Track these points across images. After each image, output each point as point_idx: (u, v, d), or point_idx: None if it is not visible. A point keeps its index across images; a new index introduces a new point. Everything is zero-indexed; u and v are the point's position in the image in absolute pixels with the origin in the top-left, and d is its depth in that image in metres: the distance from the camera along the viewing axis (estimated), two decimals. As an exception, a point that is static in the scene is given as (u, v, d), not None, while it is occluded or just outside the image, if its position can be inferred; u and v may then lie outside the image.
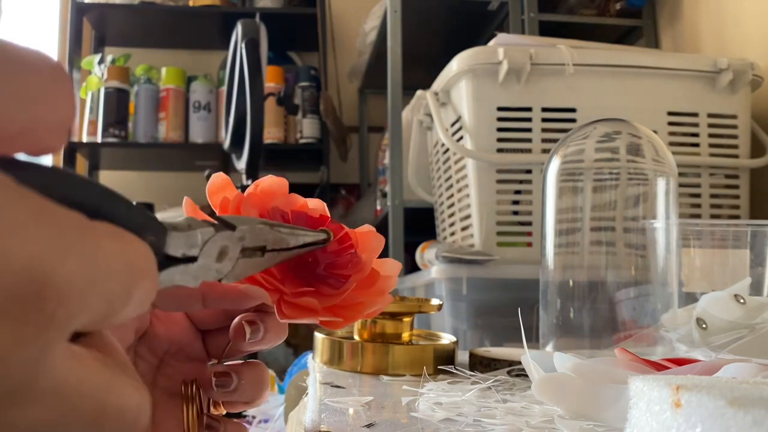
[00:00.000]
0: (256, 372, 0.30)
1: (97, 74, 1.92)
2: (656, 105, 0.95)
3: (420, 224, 1.28)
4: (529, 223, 0.93)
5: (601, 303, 0.54)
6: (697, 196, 0.96)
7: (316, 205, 0.30)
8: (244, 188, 0.33)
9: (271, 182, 0.29)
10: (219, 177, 0.28)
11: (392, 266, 0.30)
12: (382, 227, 1.35)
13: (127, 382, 0.15)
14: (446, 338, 0.55)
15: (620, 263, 0.56)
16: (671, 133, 0.96)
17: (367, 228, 0.30)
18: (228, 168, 1.64)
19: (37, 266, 0.12)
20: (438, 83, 1.03)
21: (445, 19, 1.51)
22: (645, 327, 0.53)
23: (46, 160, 0.15)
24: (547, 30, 1.30)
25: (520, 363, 0.46)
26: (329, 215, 0.29)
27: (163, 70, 1.98)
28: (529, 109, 0.93)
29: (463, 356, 0.54)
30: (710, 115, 0.96)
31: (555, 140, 0.87)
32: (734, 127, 0.97)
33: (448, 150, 1.03)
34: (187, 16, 1.99)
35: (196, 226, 0.20)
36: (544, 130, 0.93)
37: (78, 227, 0.13)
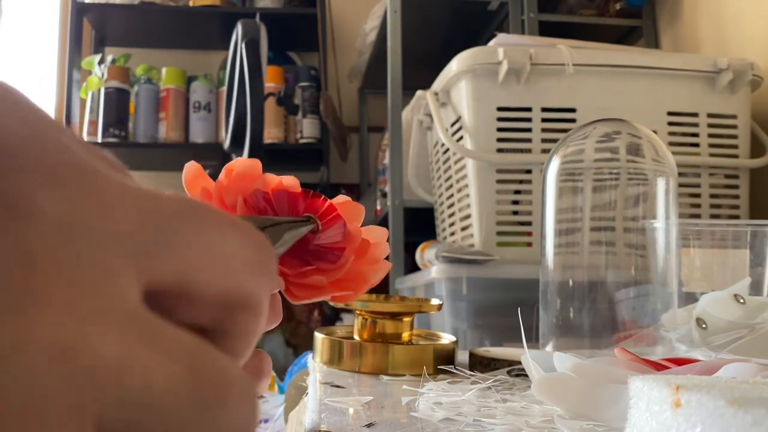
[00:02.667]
0: (256, 359, 0.29)
1: (97, 74, 1.92)
2: (656, 105, 0.95)
3: (420, 224, 1.28)
4: (529, 223, 0.93)
5: (601, 303, 0.54)
6: (697, 196, 0.96)
7: (290, 182, 0.29)
8: None
9: (244, 165, 0.28)
10: (192, 166, 0.28)
11: (379, 233, 0.29)
12: (382, 227, 1.34)
13: None
14: (446, 338, 0.56)
15: (620, 263, 0.56)
16: (671, 133, 0.96)
17: (343, 198, 0.30)
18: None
19: None
20: (438, 83, 1.03)
21: (445, 19, 1.51)
22: (645, 327, 0.53)
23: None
24: (547, 30, 1.30)
25: (519, 363, 0.46)
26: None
27: (164, 70, 1.98)
28: (529, 109, 0.93)
29: (463, 356, 0.54)
30: (710, 115, 0.96)
31: (555, 140, 0.87)
32: (734, 127, 0.97)
33: (448, 150, 1.03)
34: (188, 16, 1.99)
35: None
36: (544, 130, 0.93)
37: None
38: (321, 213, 0.28)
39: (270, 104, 1.88)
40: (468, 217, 0.96)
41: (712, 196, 0.96)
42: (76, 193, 0.11)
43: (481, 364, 0.51)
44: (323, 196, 0.29)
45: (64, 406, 0.10)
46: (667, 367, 0.36)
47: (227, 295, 0.13)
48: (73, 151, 0.12)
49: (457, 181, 1.00)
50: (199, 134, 1.96)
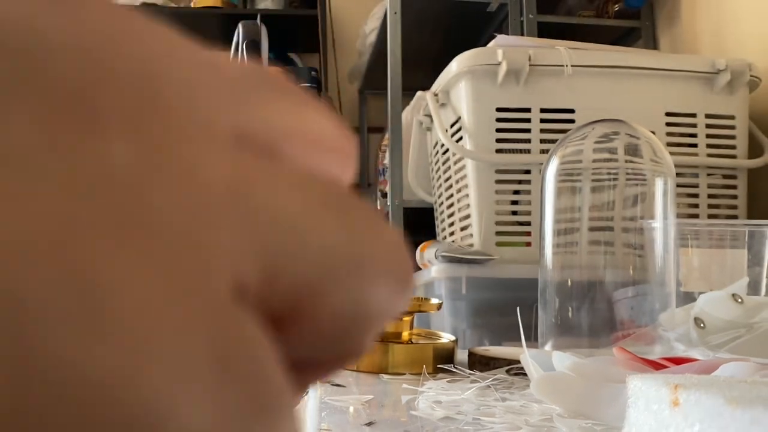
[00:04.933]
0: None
1: (97, 75, 1.92)
2: (654, 106, 0.96)
3: (420, 224, 1.28)
4: (528, 223, 0.93)
5: (600, 302, 0.55)
6: (695, 196, 0.96)
7: None
8: None
9: None
10: None
11: None
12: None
13: None
14: (446, 337, 0.56)
15: (618, 263, 0.56)
16: (669, 134, 0.96)
17: None
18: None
19: None
20: (437, 84, 1.03)
21: (444, 21, 1.51)
22: (643, 326, 0.53)
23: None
24: (546, 31, 1.30)
25: (519, 362, 0.46)
26: None
27: (163, 71, 1.99)
28: (528, 110, 0.93)
29: (462, 355, 0.54)
30: (708, 116, 0.97)
31: (554, 141, 0.87)
32: (732, 127, 0.97)
33: (447, 150, 1.04)
34: (189, 17, 1.99)
35: None
36: (542, 130, 0.93)
37: None
38: None
39: (270, 105, 1.88)
40: (467, 217, 0.97)
41: (710, 196, 0.96)
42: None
43: (480, 363, 0.51)
44: None
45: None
46: (666, 366, 0.36)
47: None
48: None
49: (457, 182, 1.01)
50: (199, 135, 1.96)
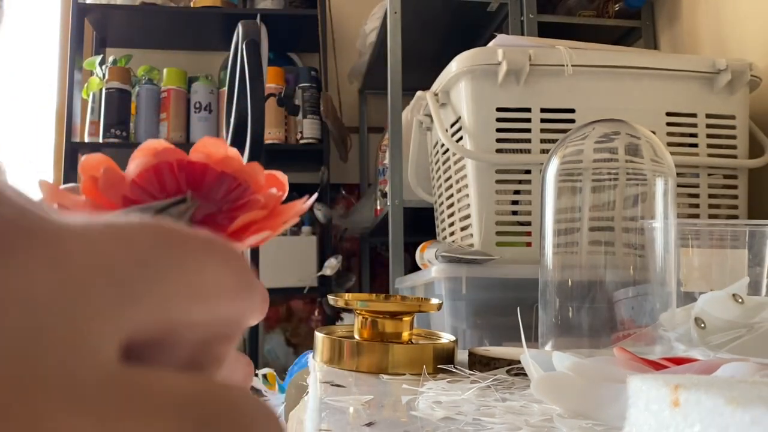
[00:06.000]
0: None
1: (98, 75, 1.93)
2: (655, 106, 0.96)
3: (420, 224, 1.29)
4: (529, 223, 0.93)
5: (600, 302, 0.55)
6: (696, 196, 0.96)
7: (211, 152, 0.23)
8: None
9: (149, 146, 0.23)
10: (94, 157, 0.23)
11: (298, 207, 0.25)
12: (382, 227, 1.35)
13: None
14: (446, 337, 0.56)
15: (619, 263, 0.56)
16: (670, 134, 0.96)
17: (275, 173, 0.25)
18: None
19: None
20: (438, 84, 1.03)
21: (444, 20, 1.51)
22: (644, 326, 0.53)
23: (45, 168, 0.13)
24: (546, 31, 1.30)
25: (519, 362, 0.46)
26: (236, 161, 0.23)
27: (164, 71, 1.99)
28: (528, 110, 0.93)
29: (462, 355, 0.54)
30: (708, 116, 0.97)
31: (554, 141, 0.87)
32: (732, 127, 0.97)
33: (447, 150, 1.04)
34: (188, 17, 1.99)
35: None
36: (543, 130, 0.93)
37: None
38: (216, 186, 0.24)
39: (270, 105, 1.88)
40: (467, 217, 0.96)
41: (711, 196, 0.96)
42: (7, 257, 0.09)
43: (480, 364, 0.51)
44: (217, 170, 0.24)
45: None
46: (666, 367, 0.36)
47: (210, 331, 0.12)
48: None
49: (457, 182, 1.01)
50: (200, 135, 1.96)
